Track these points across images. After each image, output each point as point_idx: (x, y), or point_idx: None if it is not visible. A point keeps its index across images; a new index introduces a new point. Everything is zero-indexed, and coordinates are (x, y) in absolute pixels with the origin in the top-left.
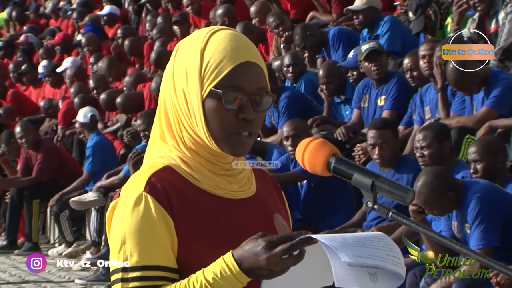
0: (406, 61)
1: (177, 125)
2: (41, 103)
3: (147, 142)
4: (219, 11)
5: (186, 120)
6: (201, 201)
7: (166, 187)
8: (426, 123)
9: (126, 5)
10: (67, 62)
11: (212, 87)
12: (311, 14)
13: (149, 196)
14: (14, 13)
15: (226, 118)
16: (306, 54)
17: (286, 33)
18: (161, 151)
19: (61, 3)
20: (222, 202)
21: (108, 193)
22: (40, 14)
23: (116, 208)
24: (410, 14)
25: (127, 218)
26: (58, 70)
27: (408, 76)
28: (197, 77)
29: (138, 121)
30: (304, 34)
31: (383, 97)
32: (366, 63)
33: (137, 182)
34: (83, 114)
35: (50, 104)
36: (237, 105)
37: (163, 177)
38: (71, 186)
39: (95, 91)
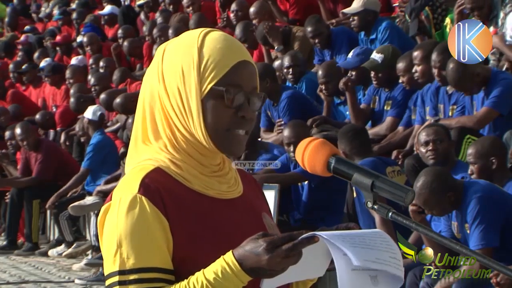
0: (400, 64)
1: (167, 126)
2: (37, 116)
3: None
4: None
5: (180, 119)
6: (193, 202)
7: (160, 188)
8: (427, 123)
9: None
10: (74, 60)
11: (213, 85)
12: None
13: (143, 198)
14: (6, 19)
15: (225, 116)
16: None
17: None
18: (146, 154)
19: (55, 11)
20: (214, 202)
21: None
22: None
23: (109, 212)
24: (407, 17)
25: (122, 220)
26: (73, 62)
27: (400, 80)
28: (196, 75)
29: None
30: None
31: (390, 102)
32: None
33: (130, 184)
34: (92, 111)
35: (46, 115)
36: (237, 103)
37: (156, 179)
38: (67, 185)
39: (94, 90)
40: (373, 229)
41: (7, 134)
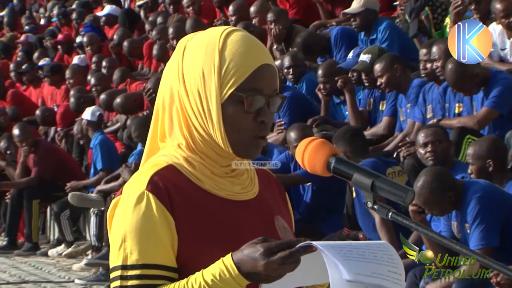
0: (377, 66)
1: (185, 125)
2: (37, 112)
3: (143, 146)
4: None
5: (199, 120)
6: (202, 201)
7: (168, 186)
8: (429, 122)
9: (125, 5)
10: (76, 59)
11: (233, 91)
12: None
13: (150, 195)
14: (6, 19)
15: (245, 122)
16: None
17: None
18: (162, 151)
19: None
20: (224, 203)
21: (107, 196)
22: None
23: (118, 206)
24: (407, 17)
25: (128, 216)
26: (74, 61)
27: (379, 83)
28: (216, 80)
29: (134, 132)
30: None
31: (384, 101)
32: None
33: (139, 180)
34: (91, 112)
35: (46, 111)
36: (257, 108)
37: (166, 176)
38: (89, 181)
39: (95, 90)
40: (379, 241)
41: (2, 144)
